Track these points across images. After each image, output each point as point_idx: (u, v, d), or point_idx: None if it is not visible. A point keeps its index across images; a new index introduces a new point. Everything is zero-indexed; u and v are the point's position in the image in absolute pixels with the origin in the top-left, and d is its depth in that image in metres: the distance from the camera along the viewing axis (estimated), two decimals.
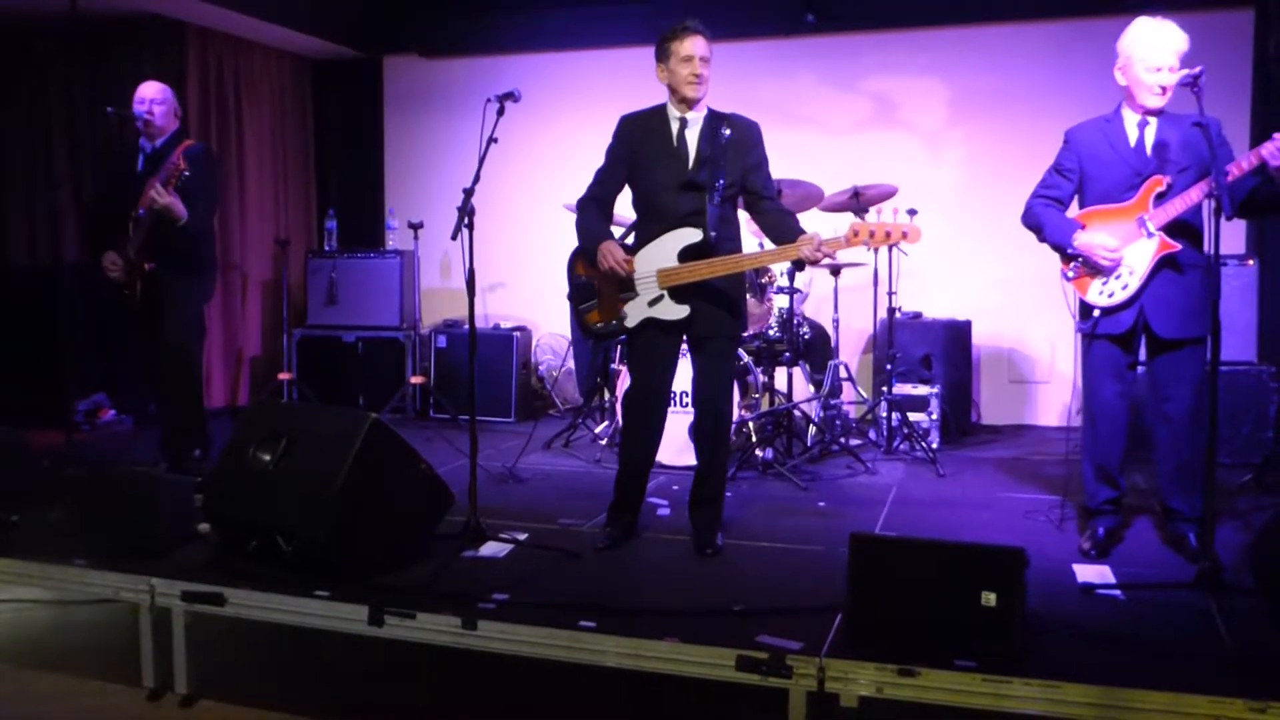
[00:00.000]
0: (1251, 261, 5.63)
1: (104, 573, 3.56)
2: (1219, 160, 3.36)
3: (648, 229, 3.86)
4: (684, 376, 4.26)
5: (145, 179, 4.92)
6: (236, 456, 3.75)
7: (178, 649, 3.41)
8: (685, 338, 3.96)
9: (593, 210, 3.96)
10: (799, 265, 3.76)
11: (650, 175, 3.86)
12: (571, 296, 4.02)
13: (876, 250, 5.82)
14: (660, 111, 3.88)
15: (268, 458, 3.63)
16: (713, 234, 3.73)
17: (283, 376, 7.12)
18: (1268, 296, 5.70)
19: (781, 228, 3.76)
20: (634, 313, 3.86)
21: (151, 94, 5.03)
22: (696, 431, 4.00)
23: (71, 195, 7.12)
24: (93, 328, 6.56)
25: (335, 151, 8.27)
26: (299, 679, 3.56)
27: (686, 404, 5.12)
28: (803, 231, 3.67)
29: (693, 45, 3.74)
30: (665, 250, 3.79)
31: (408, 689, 3.48)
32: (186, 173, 4.74)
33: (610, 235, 3.89)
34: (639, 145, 3.88)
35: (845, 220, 5.53)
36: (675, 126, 3.83)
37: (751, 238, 4.50)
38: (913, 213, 5.71)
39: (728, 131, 3.78)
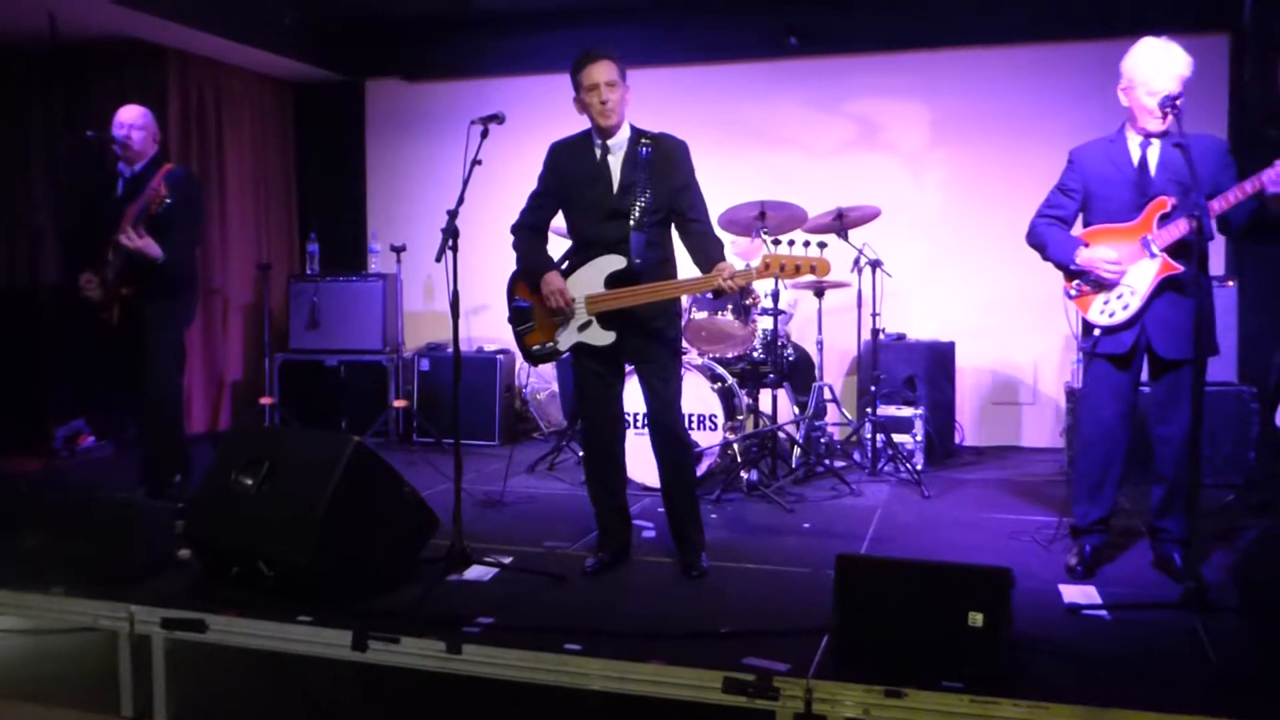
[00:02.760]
0: (1231, 283, 5.68)
1: (82, 600, 3.52)
2: (1200, 181, 3.37)
3: (578, 255, 3.89)
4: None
5: (125, 204, 4.88)
6: (218, 481, 3.72)
7: (157, 677, 3.37)
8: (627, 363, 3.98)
9: (529, 237, 3.97)
10: (718, 294, 3.76)
11: (577, 203, 3.89)
12: (510, 319, 4.04)
13: (860, 271, 5.85)
14: (586, 137, 3.88)
15: (249, 482, 3.61)
16: (636, 261, 3.73)
17: (264, 401, 7.08)
18: (1247, 317, 5.74)
19: (704, 254, 3.76)
20: (566, 337, 3.89)
21: (130, 118, 4.99)
22: (656, 453, 3.98)
23: (51, 219, 7.07)
24: (71, 353, 6.51)
25: (317, 175, 8.26)
26: (282, 706, 3.52)
27: None
28: (723, 258, 3.68)
29: (595, 73, 3.72)
30: (593, 276, 3.81)
31: (392, 714, 3.44)
32: (168, 200, 4.67)
33: (553, 264, 3.90)
34: (566, 173, 3.89)
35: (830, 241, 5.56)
36: (598, 153, 3.83)
37: (739, 260, 4.51)
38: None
39: (647, 152, 3.78)
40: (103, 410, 6.76)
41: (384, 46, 7.80)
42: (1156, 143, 3.74)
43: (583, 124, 3.91)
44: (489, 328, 7.58)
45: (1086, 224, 3.89)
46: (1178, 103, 3.44)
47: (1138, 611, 3.38)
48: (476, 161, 3.79)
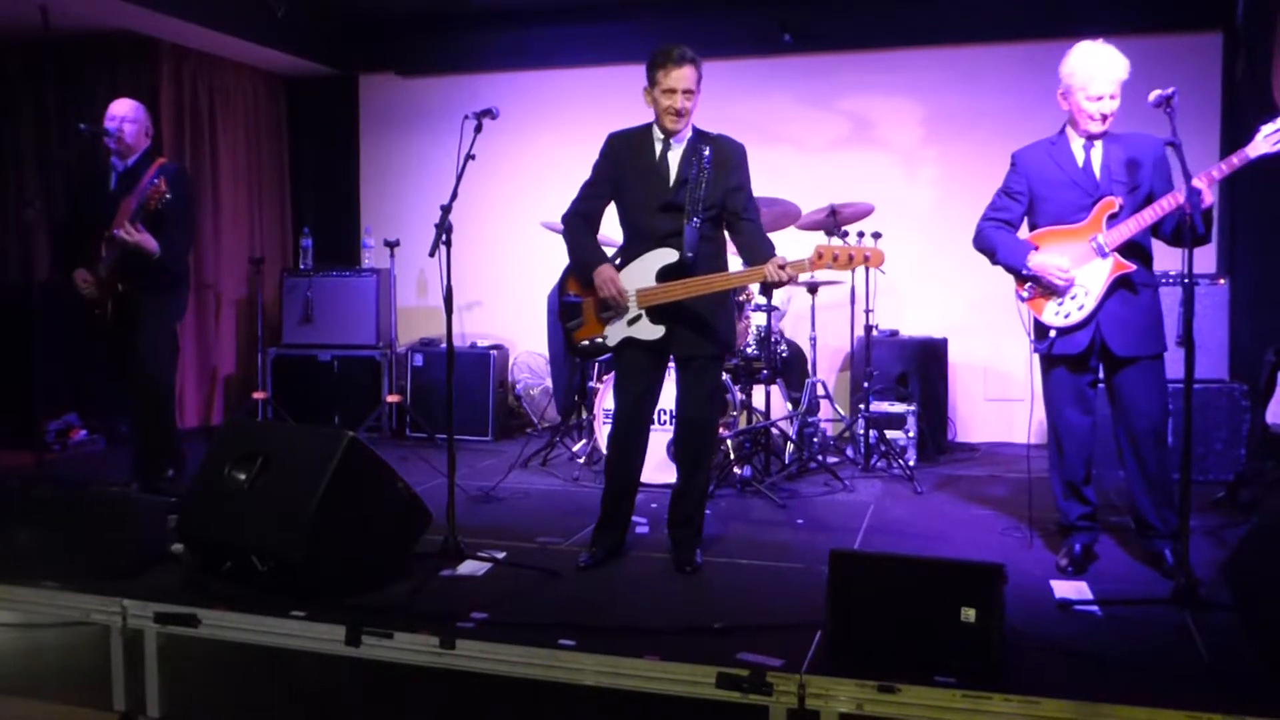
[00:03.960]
0: (1222, 281, 5.70)
1: (75, 594, 3.52)
2: (1187, 182, 3.39)
3: (630, 248, 3.89)
4: (667, 394, 4.27)
5: (119, 198, 4.87)
6: (211, 476, 3.72)
7: (150, 672, 3.37)
8: (672, 357, 3.97)
9: (581, 227, 3.96)
10: (766, 288, 3.77)
11: (632, 195, 3.88)
12: (560, 314, 4.04)
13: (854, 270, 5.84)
14: (647, 131, 3.88)
15: (243, 477, 3.60)
16: (689, 255, 3.74)
17: (257, 395, 7.07)
18: (1238, 315, 5.76)
19: (755, 249, 3.77)
20: (614, 332, 3.88)
21: (123, 111, 4.97)
22: (678, 448, 4.00)
23: (43, 213, 7.04)
24: (64, 347, 6.48)
25: (310, 169, 8.24)
26: (274, 701, 3.51)
27: (664, 421, 5.12)
28: (774, 254, 3.68)
29: (677, 77, 3.70)
30: (644, 270, 3.80)
31: (385, 710, 3.44)
32: (168, 195, 4.67)
33: (606, 258, 3.89)
34: (624, 164, 3.89)
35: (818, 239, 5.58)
36: (659, 147, 3.84)
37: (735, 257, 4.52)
38: (878, 236, 5.80)
39: (708, 153, 3.78)
40: (95, 404, 6.74)
41: (378, 41, 7.78)
42: (1099, 144, 3.78)
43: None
44: (483, 323, 7.59)
45: (1033, 226, 3.93)
46: (1172, 101, 3.46)
47: (1129, 607, 3.39)
48: (470, 156, 3.79)
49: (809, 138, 7.08)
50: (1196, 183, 3.44)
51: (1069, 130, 3.84)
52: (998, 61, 6.74)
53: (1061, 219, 3.81)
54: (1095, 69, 3.67)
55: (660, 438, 4.96)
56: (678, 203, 3.77)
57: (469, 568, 3.82)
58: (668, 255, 3.77)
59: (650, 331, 3.81)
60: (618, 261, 3.90)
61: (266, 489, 3.55)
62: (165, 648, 3.38)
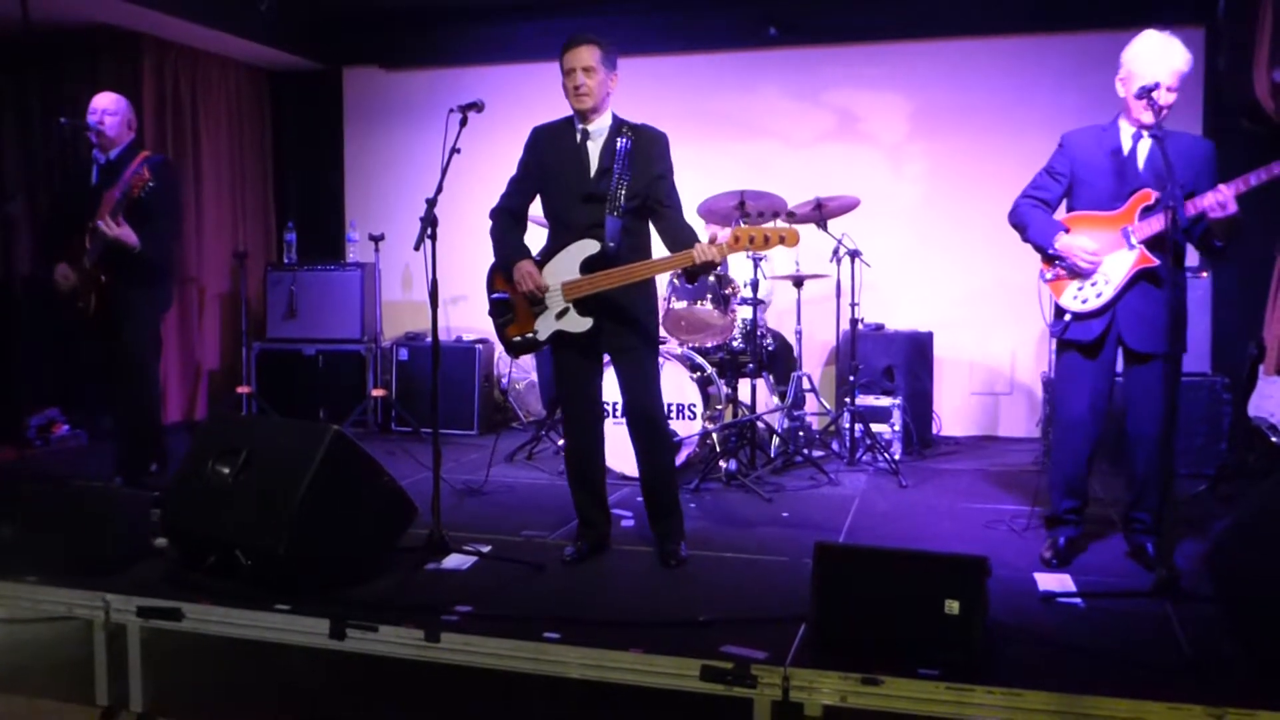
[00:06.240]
0: (1205, 274, 5.72)
1: (57, 589, 3.50)
2: (1174, 173, 3.40)
3: (554, 241, 3.89)
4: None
5: (101, 191, 4.84)
6: (195, 471, 3.70)
7: (133, 666, 3.35)
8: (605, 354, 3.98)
9: (506, 222, 3.96)
10: (690, 276, 3.78)
11: (555, 187, 3.89)
12: (490, 312, 4.02)
13: (839, 261, 5.86)
14: (568, 122, 3.88)
15: (226, 471, 3.59)
16: (611, 245, 3.73)
17: (242, 390, 7.05)
18: (1221, 309, 5.79)
19: (675, 236, 3.78)
20: (544, 326, 3.87)
21: (104, 104, 4.94)
22: (633, 441, 3.99)
23: (25, 207, 7.00)
24: (46, 341, 6.45)
25: (294, 163, 8.21)
26: (259, 695, 3.50)
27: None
28: (695, 242, 3.68)
29: (573, 57, 3.73)
30: (569, 262, 3.80)
31: (370, 703, 3.44)
32: (151, 183, 4.64)
33: (528, 254, 3.89)
34: (546, 156, 3.89)
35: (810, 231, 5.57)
36: (578, 137, 3.83)
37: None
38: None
39: (629, 143, 3.77)
40: (78, 399, 6.71)
41: (362, 34, 7.75)
42: (1148, 136, 3.73)
43: (564, 111, 3.90)
44: (468, 317, 7.57)
45: (1070, 209, 3.90)
46: (1153, 94, 3.46)
47: (1111, 600, 3.41)
48: (455, 150, 3.78)
49: (795, 131, 7.08)
50: (1223, 188, 3.44)
51: (1122, 119, 3.80)
52: (983, 55, 6.75)
53: (1098, 205, 3.78)
54: (1155, 58, 3.63)
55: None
56: (599, 193, 3.76)
57: (454, 561, 3.82)
58: (589, 247, 3.76)
59: (578, 324, 3.80)
60: (540, 255, 3.89)
61: (250, 483, 3.54)
62: (148, 642, 3.37)
